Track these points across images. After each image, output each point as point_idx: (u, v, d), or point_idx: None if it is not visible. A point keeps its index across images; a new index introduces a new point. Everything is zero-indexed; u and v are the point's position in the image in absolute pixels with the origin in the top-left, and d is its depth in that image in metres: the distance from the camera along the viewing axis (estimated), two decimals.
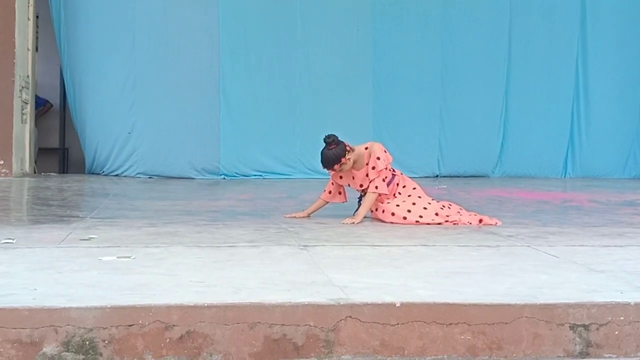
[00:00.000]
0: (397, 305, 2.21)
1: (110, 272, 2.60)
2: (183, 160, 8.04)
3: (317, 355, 2.15)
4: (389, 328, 2.18)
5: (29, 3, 7.92)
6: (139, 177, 7.94)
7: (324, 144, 4.24)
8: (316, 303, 2.20)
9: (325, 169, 4.36)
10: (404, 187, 4.44)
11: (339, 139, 4.26)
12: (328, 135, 4.26)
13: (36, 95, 8.61)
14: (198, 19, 8.08)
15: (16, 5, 7.38)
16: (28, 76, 7.89)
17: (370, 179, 4.31)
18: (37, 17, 8.49)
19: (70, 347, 2.04)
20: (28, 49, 7.91)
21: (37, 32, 8.53)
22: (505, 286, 2.49)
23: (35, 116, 8.55)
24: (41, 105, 8.99)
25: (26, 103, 7.80)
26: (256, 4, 8.20)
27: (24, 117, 7.74)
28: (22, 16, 7.59)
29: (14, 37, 7.34)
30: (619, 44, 8.88)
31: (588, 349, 2.23)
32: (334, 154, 4.22)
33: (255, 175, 8.09)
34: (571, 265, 2.92)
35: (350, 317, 2.18)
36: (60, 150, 9.46)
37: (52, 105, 9.27)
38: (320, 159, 4.30)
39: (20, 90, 7.54)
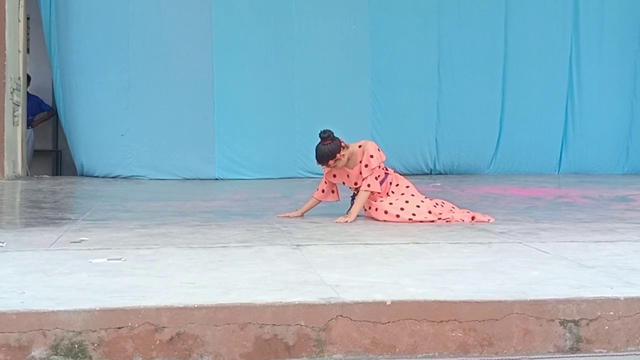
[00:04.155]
0: (387, 303, 2.21)
1: (100, 275, 2.59)
2: (177, 162, 8.02)
3: (308, 354, 2.15)
4: (380, 326, 2.18)
5: (19, 4, 7.89)
6: (133, 179, 7.92)
7: (319, 139, 4.25)
8: (307, 302, 2.20)
9: (320, 165, 4.36)
10: (396, 185, 4.44)
11: (334, 134, 4.27)
12: (324, 130, 4.26)
13: (41, 100, 8.65)
14: (191, 19, 8.05)
15: (6, 7, 7.35)
16: (19, 78, 7.85)
17: (363, 177, 4.32)
18: (28, 18, 8.45)
19: (59, 351, 2.03)
20: (19, 51, 7.88)
21: (28, 33, 8.50)
22: (496, 283, 2.50)
23: (40, 120, 8.64)
24: (46, 111, 8.97)
25: (17, 105, 7.76)
26: (250, 2, 8.17)
27: (16, 119, 7.71)
28: (12, 17, 7.56)
29: (4, 39, 7.31)
30: (612, 41, 8.89)
31: (578, 344, 2.24)
32: (329, 149, 4.22)
33: (250, 176, 8.07)
34: (562, 261, 2.92)
35: (341, 316, 2.18)
36: (54, 152, 9.43)
37: (55, 113, 9.20)
38: (314, 155, 4.30)
39: (11, 92, 7.50)
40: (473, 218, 4.25)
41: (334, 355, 2.16)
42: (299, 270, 2.71)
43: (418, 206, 4.26)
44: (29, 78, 8.63)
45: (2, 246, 3.19)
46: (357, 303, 2.20)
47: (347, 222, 4.19)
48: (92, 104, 8.02)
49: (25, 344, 2.03)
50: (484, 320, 2.21)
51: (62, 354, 2.03)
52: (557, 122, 8.87)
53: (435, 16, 8.45)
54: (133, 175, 7.97)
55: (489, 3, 8.61)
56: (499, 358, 2.20)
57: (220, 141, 8.05)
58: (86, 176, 8.09)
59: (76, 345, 2.04)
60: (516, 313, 2.22)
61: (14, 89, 7.59)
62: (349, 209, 4.36)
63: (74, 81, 8.07)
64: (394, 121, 8.36)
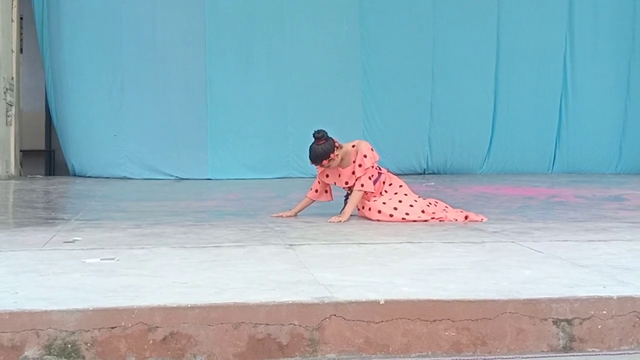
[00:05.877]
0: (381, 302, 2.21)
1: (93, 275, 2.58)
2: (170, 162, 8.01)
3: (301, 354, 2.15)
4: (373, 326, 2.19)
5: (12, 4, 7.86)
6: (126, 179, 7.90)
7: (313, 139, 4.25)
8: (300, 302, 2.19)
9: (314, 164, 4.36)
10: (390, 185, 4.44)
11: (328, 134, 4.27)
12: (317, 130, 4.27)
13: None
14: (184, 21, 8.05)
15: (0, 7, 7.34)
16: (12, 78, 7.82)
17: (357, 176, 4.32)
18: (22, 18, 8.42)
19: (52, 351, 2.03)
20: (12, 51, 7.85)
21: (21, 33, 8.46)
22: (489, 282, 2.50)
23: None
24: None
25: (11, 105, 7.74)
26: (242, 4, 8.18)
27: (9, 119, 7.68)
28: (5, 17, 7.53)
29: None
30: (606, 40, 8.95)
31: (571, 344, 2.25)
32: (323, 149, 4.22)
33: (243, 176, 8.07)
34: (555, 260, 2.93)
35: (335, 315, 2.18)
36: (47, 152, 9.40)
37: None
38: (308, 154, 4.30)
39: (4, 92, 7.48)
40: (466, 217, 4.26)
41: (328, 355, 2.16)
42: (292, 269, 2.70)
43: (411, 206, 4.27)
44: None
45: None
46: (350, 302, 2.20)
47: (340, 221, 4.19)
48: (84, 104, 8.00)
49: (18, 343, 2.02)
50: (477, 320, 2.21)
51: (55, 353, 2.02)
52: (551, 121, 8.91)
53: (429, 17, 8.48)
54: (126, 176, 7.95)
55: (482, 2, 8.64)
56: (492, 357, 2.20)
57: (213, 141, 8.05)
58: (79, 176, 8.07)
59: (69, 345, 2.03)
60: (509, 312, 2.23)
61: (7, 89, 7.56)
62: (343, 209, 4.36)
63: (67, 81, 8.05)
64: (386, 121, 8.39)
